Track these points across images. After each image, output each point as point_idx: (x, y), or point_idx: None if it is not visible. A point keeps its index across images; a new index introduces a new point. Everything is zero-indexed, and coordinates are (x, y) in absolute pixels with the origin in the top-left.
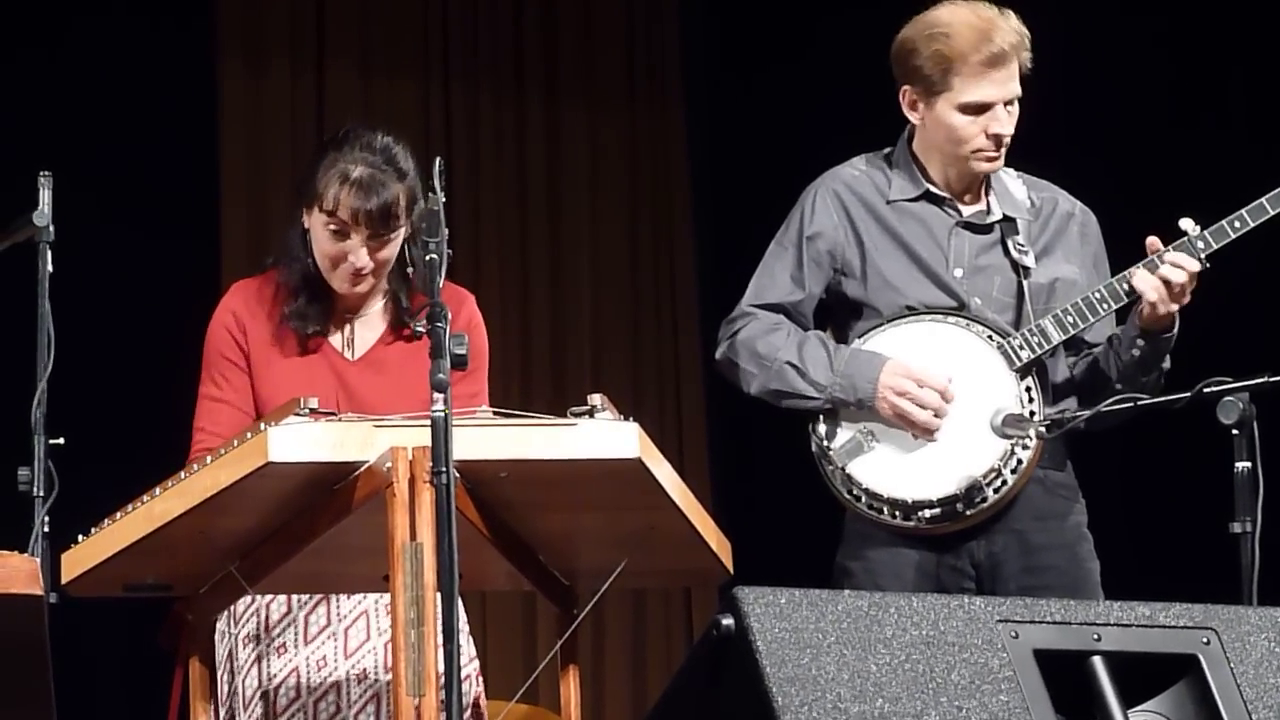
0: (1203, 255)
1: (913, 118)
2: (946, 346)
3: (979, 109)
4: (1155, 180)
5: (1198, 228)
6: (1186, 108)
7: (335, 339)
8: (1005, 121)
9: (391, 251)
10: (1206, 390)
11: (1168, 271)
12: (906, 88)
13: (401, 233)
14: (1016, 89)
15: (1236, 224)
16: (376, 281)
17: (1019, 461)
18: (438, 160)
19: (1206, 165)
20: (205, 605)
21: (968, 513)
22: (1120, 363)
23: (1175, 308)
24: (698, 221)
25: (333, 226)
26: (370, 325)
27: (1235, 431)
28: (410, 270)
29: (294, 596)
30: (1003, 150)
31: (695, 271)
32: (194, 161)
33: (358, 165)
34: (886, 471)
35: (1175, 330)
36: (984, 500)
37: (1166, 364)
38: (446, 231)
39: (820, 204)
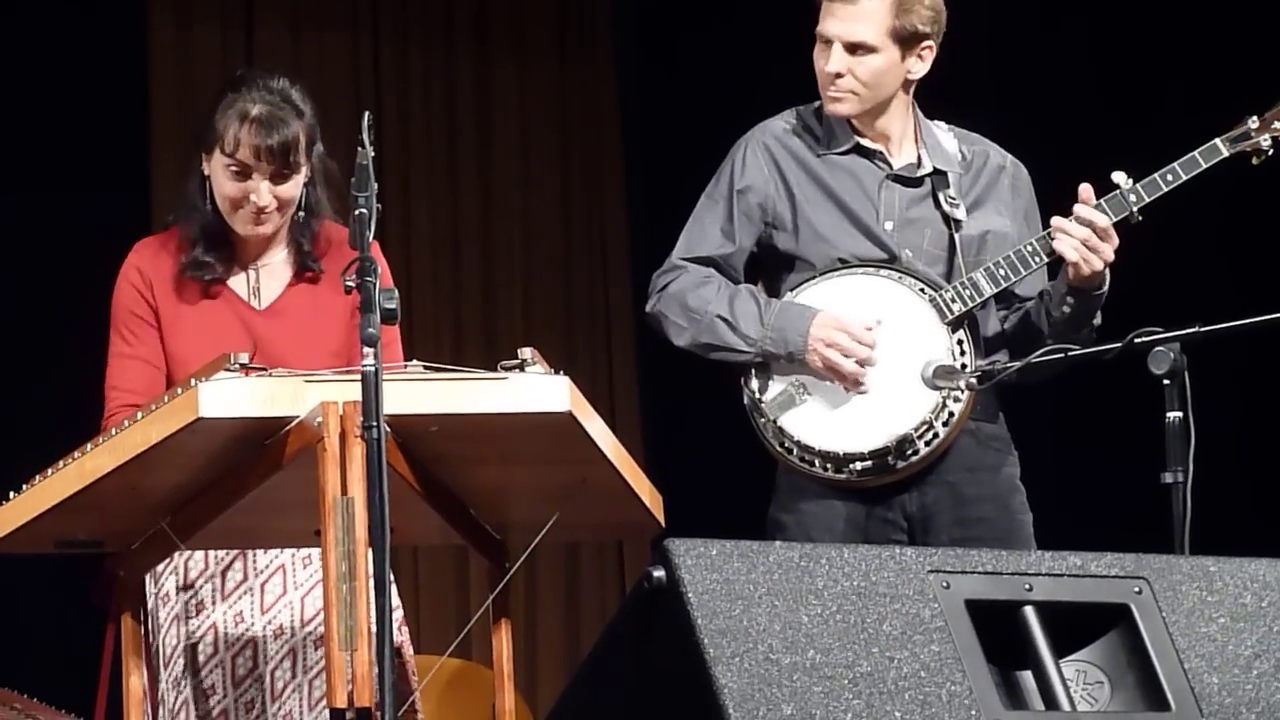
0: (1135, 208)
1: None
2: (878, 300)
3: (825, 42)
4: (1088, 132)
5: (1130, 180)
6: (1120, 58)
7: (240, 289)
8: (833, 58)
9: (293, 191)
10: (1138, 340)
11: (1078, 229)
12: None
13: (303, 173)
14: (860, 33)
15: (1169, 177)
16: (280, 223)
17: (950, 414)
18: (366, 115)
19: (1141, 117)
20: (137, 561)
21: (899, 465)
22: (1051, 318)
23: (1099, 265)
24: (628, 175)
25: (234, 168)
26: (275, 274)
27: (1166, 382)
28: (304, 215)
29: (211, 553)
30: (845, 94)
31: (626, 226)
32: (124, 116)
33: (256, 104)
34: (818, 424)
35: (1106, 288)
36: (915, 453)
37: (1098, 320)
38: (376, 186)
39: (751, 157)
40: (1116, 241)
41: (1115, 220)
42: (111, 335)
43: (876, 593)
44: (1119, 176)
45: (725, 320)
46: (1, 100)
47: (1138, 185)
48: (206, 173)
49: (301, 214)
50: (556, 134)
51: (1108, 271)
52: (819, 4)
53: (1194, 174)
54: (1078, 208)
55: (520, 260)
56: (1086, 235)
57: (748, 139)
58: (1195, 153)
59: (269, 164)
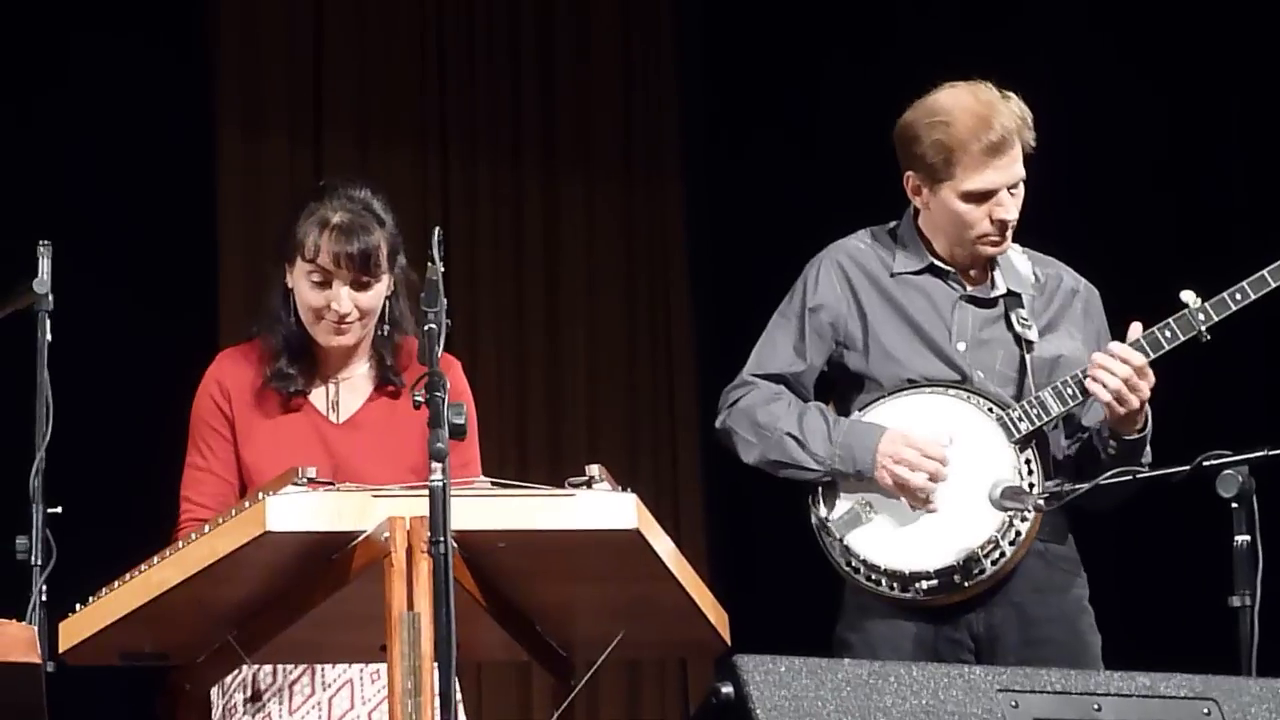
0: (1204, 327)
1: (917, 202)
2: (945, 417)
3: (983, 196)
4: (1159, 253)
5: (1199, 299)
6: (1187, 180)
7: (319, 402)
8: (1010, 206)
9: (375, 300)
10: (1206, 463)
11: (1120, 368)
12: (910, 173)
13: (384, 282)
14: (1019, 173)
15: (1238, 296)
16: (361, 333)
17: (1017, 534)
18: (436, 230)
19: (1209, 236)
20: (202, 674)
21: (965, 584)
22: (1104, 455)
23: (1135, 404)
24: (694, 293)
25: (315, 276)
26: (355, 388)
27: (1235, 505)
28: (387, 329)
29: (280, 666)
30: (1009, 234)
31: (692, 342)
32: (192, 230)
33: (337, 212)
34: (884, 542)
35: (1148, 430)
36: (981, 572)
37: (1148, 458)
38: (445, 301)
39: (824, 276)
40: (1152, 379)
41: (1185, 339)
42: (188, 444)
43: (945, 711)
44: (1188, 295)
45: (794, 437)
46: (70, 209)
47: (1206, 304)
48: (289, 284)
49: (385, 327)
50: (623, 251)
51: (1148, 413)
52: (949, 162)
53: (1263, 293)
54: (1112, 345)
55: (586, 376)
56: (1128, 374)
57: (821, 258)
58: (1264, 271)
59: (349, 271)
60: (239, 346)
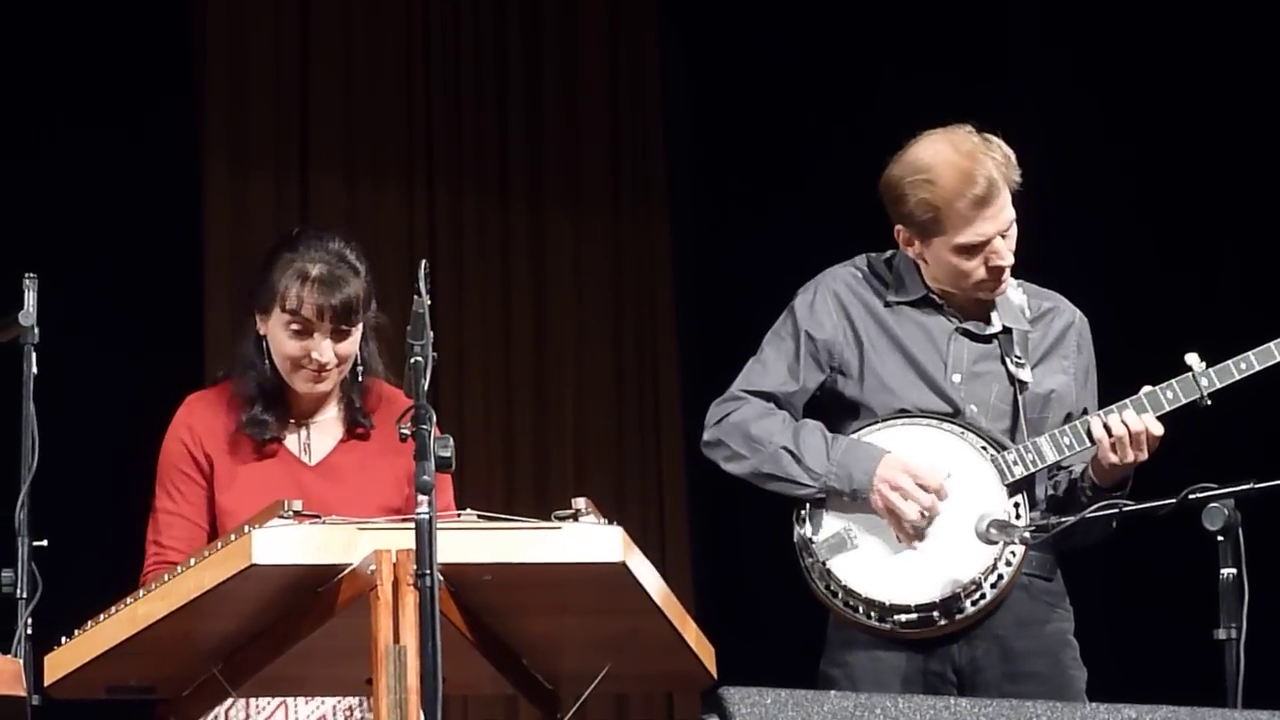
0: (1205, 393)
1: (910, 253)
2: (940, 452)
3: (976, 248)
4: (1152, 313)
5: (1203, 364)
6: (1179, 241)
7: (292, 445)
8: (1004, 252)
9: (352, 346)
10: (1192, 496)
11: (1114, 423)
12: (900, 228)
13: (360, 328)
14: (1009, 216)
15: (1243, 365)
16: (338, 379)
17: (1000, 577)
18: (423, 263)
19: (1191, 277)
20: (188, 708)
21: (944, 622)
22: (1084, 499)
23: (1129, 457)
24: (681, 329)
25: (295, 326)
26: (326, 430)
27: (1220, 538)
28: (360, 370)
29: (253, 703)
30: (1005, 275)
31: (678, 378)
32: (179, 264)
33: (315, 264)
34: (867, 571)
35: (1125, 491)
36: (961, 611)
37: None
38: (431, 334)
39: (820, 302)
40: (1153, 449)
41: (1185, 402)
42: (157, 489)
43: None
44: (1192, 359)
45: (790, 452)
46: (57, 242)
47: (1210, 370)
48: (262, 332)
49: (360, 369)
50: (610, 285)
51: (1130, 479)
52: (937, 220)
53: (1268, 365)
54: (1133, 404)
55: (573, 410)
56: (1140, 430)
57: (817, 284)
58: (1271, 344)
59: (330, 322)
60: (207, 391)
